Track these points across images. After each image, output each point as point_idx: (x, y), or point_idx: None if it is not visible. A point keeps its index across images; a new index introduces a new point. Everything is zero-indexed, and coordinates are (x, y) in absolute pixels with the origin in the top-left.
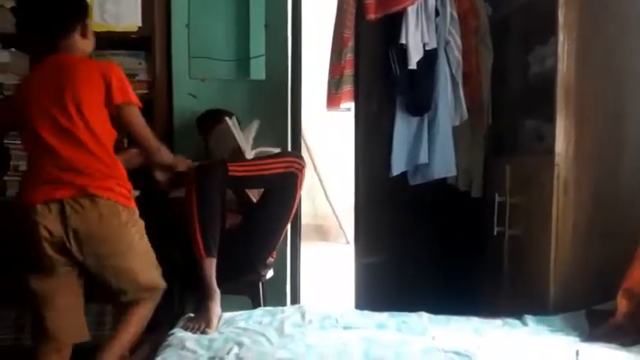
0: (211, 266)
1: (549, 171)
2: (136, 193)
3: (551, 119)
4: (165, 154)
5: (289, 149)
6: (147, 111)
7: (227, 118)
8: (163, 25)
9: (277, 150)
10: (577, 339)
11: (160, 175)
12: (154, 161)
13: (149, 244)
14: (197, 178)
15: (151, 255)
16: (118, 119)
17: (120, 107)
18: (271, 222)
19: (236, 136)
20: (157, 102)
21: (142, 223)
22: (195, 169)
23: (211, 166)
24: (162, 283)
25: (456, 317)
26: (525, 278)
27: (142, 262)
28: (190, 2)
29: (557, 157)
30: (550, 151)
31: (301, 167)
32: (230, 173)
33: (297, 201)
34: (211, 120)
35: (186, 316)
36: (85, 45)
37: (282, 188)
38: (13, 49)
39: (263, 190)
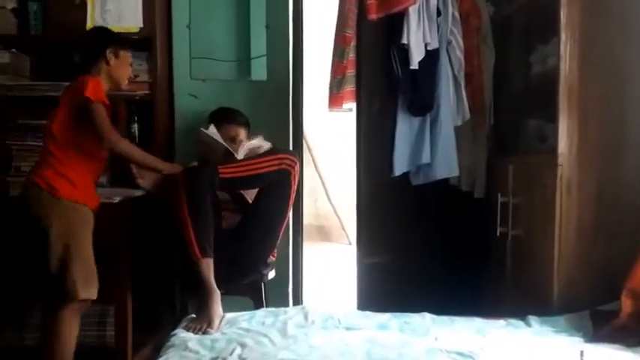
0: (209, 267)
1: (552, 171)
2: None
3: (553, 119)
4: (124, 148)
5: (291, 149)
6: (148, 111)
7: (201, 129)
8: (164, 25)
9: (267, 143)
10: (581, 339)
11: (142, 182)
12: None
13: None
14: (185, 181)
15: None
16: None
17: (83, 104)
18: (268, 220)
19: (219, 140)
20: (158, 102)
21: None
22: (183, 171)
23: (198, 168)
24: None
25: (459, 318)
26: (529, 279)
27: None
28: (191, 3)
29: (560, 157)
30: (553, 151)
31: (294, 163)
32: (221, 176)
33: (292, 197)
34: (215, 119)
35: (189, 317)
36: (108, 70)
37: (276, 186)
38: (13, 50)
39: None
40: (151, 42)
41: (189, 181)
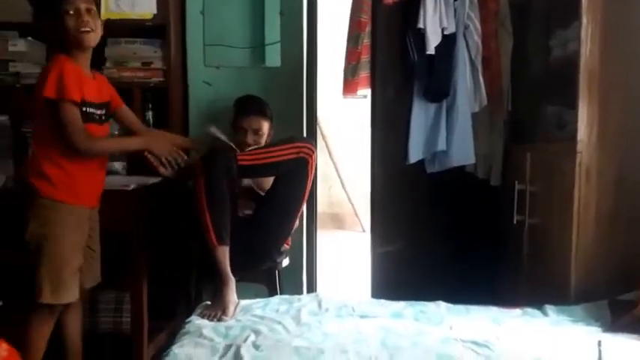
0: (224, 254)
1: (571, 158)
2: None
3: (573, 105)
4: (97, 149)
5: (304, 136)
6: (162, 99)
7: (210, 129)
8: (178, 12)
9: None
10: (599, 329)
11: (164, 171)
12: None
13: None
14: (203, 168)
15: None
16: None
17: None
18: (284, 208)
19: (223, 138)
20: (172, 90)
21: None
22: (201, 158)
23: (216, 155)
24: None
25: (474, 307)
26: (546, 267)
27: None
28: None
29: (580, 144)
30: (572, 138)
31: (311, 152)
32: (240, 163)
33: (309, 186)
34: (240, 108)
35: (203, 303)
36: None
37: (293, 174)
38: (30, 38)
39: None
40: (164, 29)
41: (208, 168)
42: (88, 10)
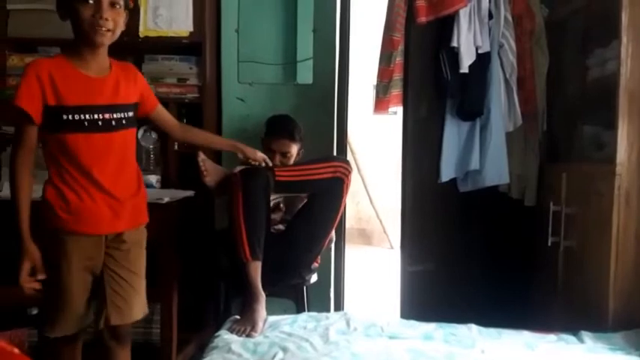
0: (257, 270)
1: (609, 181)
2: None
3: (612, 126)
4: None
5: (334, 153)
6: (196, 115)
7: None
8: (214, 30)
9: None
10: (638, 358)
11: (208, 179)
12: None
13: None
14: (243, 182)
15: None
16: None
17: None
18: (317, 227)
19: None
20: (206, 106)
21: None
22: (240, 172)
23: (257, 170)
24: None
25: (507, 330)
26: (582, 292)
27: None
28: (240, 8)
29: (619, 167)
30: (611, 159)
31: (348, 172)
32: (278, 178)
33: (342, 206)
34: (270, 130)
35: (232, 318)
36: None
37: (328, 193)
38: None
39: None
40: (200, 46)
41: (247, 182)
42: (112, 4)
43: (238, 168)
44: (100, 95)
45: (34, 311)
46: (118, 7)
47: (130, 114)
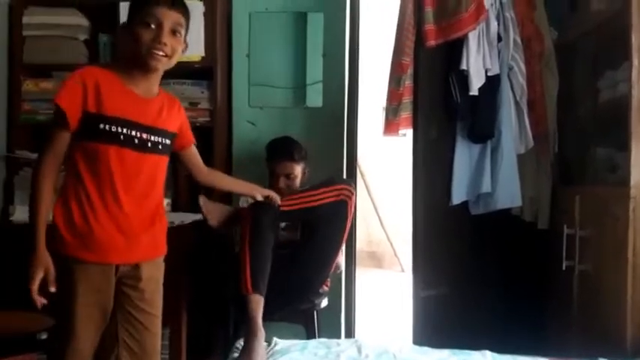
0: (258, 304)
1: (624, 203)
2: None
3: (624, 148)
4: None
5: (344, 175)
6: (207, 138)
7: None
8: (225, 54)
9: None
10: None
11: (213, 222)
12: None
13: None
14: (252, 215)
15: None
16: None
17: None
18: (323, 251)
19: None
20: (217, 129)
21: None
22: (251, 206)
23: (267, 204)
24: None
25: (521, 357)
26: (598, 317)
27: None
28: (251, 32)
29: (633, 189)
30: (625, 182)
31: (351, 194)
32: (281, 209)
33: (348, 228)
34: (271, 153)
35: (232, 356)
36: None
37: (332, 217)
38: None
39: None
40: (212, 71)
41: (257, 216)
42: (174, 32)
43: (242, 201)
44: (143, 114)
45: (44, 336)
46: (178, 35)
47: (168, 141)
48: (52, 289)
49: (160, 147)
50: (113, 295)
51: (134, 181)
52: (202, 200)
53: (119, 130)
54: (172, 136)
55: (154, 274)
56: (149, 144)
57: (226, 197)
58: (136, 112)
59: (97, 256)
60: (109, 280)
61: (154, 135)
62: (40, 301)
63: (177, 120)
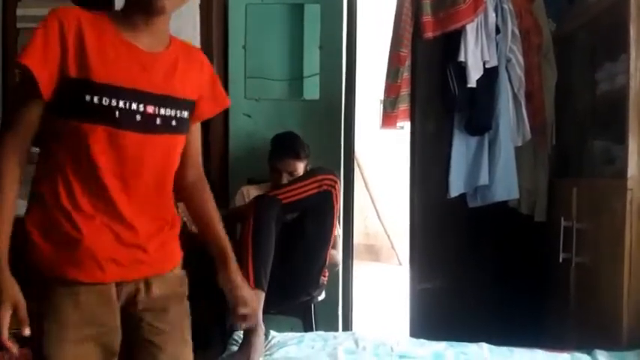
0: (259, 299)
1: (621, 196)
2: None
3: (622, 140)
4: None
5: (342, 168)
6: (203, 131)
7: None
8: (221, 46)
9: None
10: None
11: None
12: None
13: None
14: (256, 210)
15: None
16: None
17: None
18: (315, 243)
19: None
20: (213, 122)
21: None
22: (255, 199)
23: (270, 198)
24: None
25: (518, 349)
26: (595, 309)
27: None
28: (247, 24)
29: (630, 181)
30: (622, 174)
31: (334, 182)
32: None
33: (336, 216)
34: (276, 150)
35: (228, 352)
36: None
37: (318, 208)
38: None
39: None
40: None
41: (260, 211)
42: None
43: (237, 200)
44: (148, 77)
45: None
46: None
47: (185, 114)
48: (26, 332)
49: (174, 123)
50: (119, 326)
51: (136, 174)
52: (182, 206)
53: (113, 102)
54: (192, 105)
55: (173, 291)
56: (157, 120)
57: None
58: (138, 75)
59: (88, 274)
60: (108, 304)
61: (166, 107)
62: (14, 348)
63: (199, 82)
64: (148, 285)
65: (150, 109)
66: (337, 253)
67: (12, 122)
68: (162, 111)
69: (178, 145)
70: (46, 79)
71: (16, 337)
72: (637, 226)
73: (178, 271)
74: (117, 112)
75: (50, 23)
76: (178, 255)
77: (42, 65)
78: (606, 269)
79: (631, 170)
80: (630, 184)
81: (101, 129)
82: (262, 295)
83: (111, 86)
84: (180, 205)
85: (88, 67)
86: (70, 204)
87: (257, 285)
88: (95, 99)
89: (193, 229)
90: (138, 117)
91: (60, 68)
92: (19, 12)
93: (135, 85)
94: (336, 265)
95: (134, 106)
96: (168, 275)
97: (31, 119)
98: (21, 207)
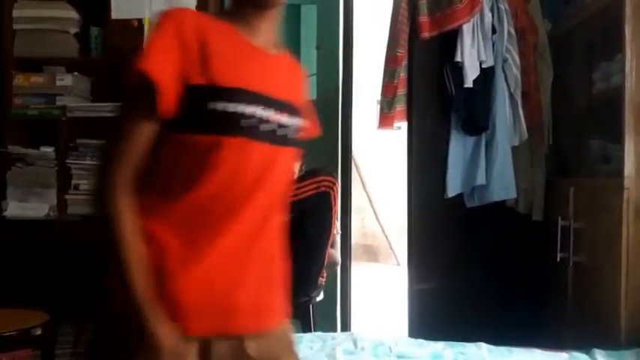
0: None
1: (618, 195)
2: None
3: (618, 139)
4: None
5: (339, 168)
6: None
7: None
8: None
9: None
10: None
11: None
12: None
13: None
14: None
15: None
16: None
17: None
18: (313, 244)
19: None
20: None
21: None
22: None
23: None
24: None
25: (517, 349)
26: (593, 308)
27: None
28: None
29: (627, 180)
30: (619, 173)
31: (332, 184)
32: None
33: (334, 218)
34: None
35: None
36: None
37: (316, 209)
38: (76, 73)
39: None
40: None
41: None
42: None
43: None
44: (273, 81)
45: (38, 332)
46: None
47: (300, 124)
48: None
49: (297, 134)
50: None
51: (257, 194)
52: None
53: (243, 110)
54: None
55: (286, 343)
56: (287, 130)
57: None
58: (264, 78)
59: (223, 323)
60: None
61: (291, 114)
62: None
63: (302, 95)
64: (240, 341)
65: (278, 116)
66: (336, 252)
67: (120, 152)
68: (288, 119)
69: (294, 159)
70: (170, 89)
71: (18, 338)
72: (634, 225)
73: (285, 329)
74: (247, 121)
75: (167, 25)
76: (286, 306)
77: (165, 72)
78: (604, 268)
79: (627, 169)
80: (627, 182)
81: (231, 141)
82: None
83: (239, 90)
84: None
85: (213, 69)
86: (184, 226)
87: None
88: (222, 106)
89: None
90: (268, 125)
91: (182, 75)
92: (15, 13)
93: (261, 88)
94: (335, 264)
95: (264, 113)
96: (275, 332)
97: (145, 144)
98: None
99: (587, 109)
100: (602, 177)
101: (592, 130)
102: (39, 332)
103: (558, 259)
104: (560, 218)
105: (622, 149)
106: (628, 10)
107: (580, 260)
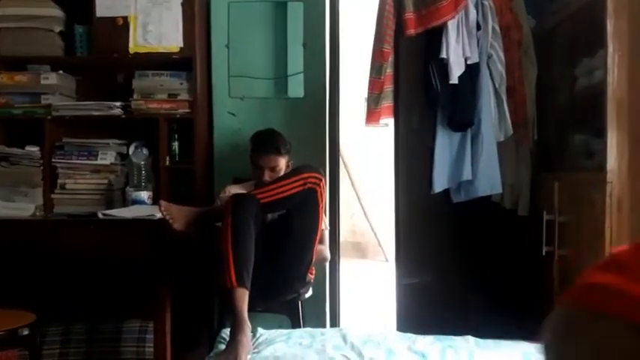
0: (243, 297)
1: (601, 189)
2: None
3: (601, 134)
4: None
5: (327, 165)
6: (188, 129)
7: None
8: (204, 45)
9: None
10: None
11: (178, 226)
12: None
13: None
14: (233, 208)
15: None
16: None
17: None
18: (301, 241)
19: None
20: (197, 121)
21: None
22: (231, 198)
23: (247, 197)
24: None
25: (504, 341)
26: None
27: None
28: (230, 23)
29: (610, 174)
30: (601, 167)
31: (318, 180)
32: (261, 201)
33: (321, 215)
34: (256, 146)
35: (216, 350)
36: None
37: (303, 206)
38: (61, 72)
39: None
40: (190, 62)
41: (237, 209)
42: None
43: (222, 198)
44: None
45: (25, 332)
46: None
47: None
48: None
49: None
50: None
51: None
52: (164, 204)
53: None
54: None
55: None
56: None
57: (190, 200)
58: None
59: None
60: None
61: None
62: None
63: None
64: None
65: None
66: (325, 248)
67: None
68: None
69: None
70: None
71: (5, 338)
72: (617, 219)
73: None
74: None
75: None
76: None
77: None
78: (588, 261)
79: (610, 163)
80: (610, 177)
81: None
82: (246, 293)
83: None
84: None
85: None
86: None
87: (239, 284)
88: None
89: (176, 225)
90: None
91: None
92: None
93: None
94: (324, 259)
95: None
96: None
97: None
98: (6, 208)
99: (570, 105)
100: (585, 171)
101: (575, 125)
102: (26, 332)
103: (544, 253)
104: (545, 212)
105: (604, 144)
106: (610, 6)
107: (565, 254)
